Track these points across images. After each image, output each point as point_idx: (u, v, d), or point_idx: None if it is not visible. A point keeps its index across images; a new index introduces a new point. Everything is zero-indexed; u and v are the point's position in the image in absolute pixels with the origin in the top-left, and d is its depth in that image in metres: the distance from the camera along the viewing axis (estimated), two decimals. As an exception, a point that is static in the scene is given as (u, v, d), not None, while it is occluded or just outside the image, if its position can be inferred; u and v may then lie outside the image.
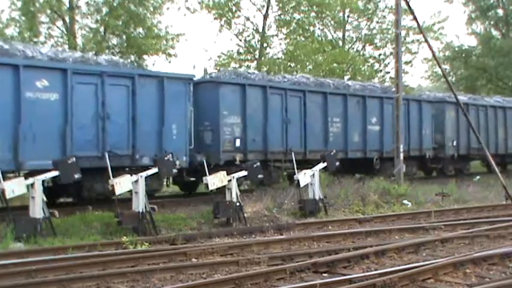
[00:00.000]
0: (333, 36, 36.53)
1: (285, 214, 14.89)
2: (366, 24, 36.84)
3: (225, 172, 13.81)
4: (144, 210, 12.21)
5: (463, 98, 25.25)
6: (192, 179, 16.72)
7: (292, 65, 32.14)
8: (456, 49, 40.75)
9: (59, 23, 26.64)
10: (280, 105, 18.60)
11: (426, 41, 21.51)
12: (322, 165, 15.72)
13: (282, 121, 18.59)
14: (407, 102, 22.85)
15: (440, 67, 23.56)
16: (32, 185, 11.28)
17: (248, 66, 31.98)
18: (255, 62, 32.61)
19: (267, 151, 17.95)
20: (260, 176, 14.88)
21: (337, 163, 16.98)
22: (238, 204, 13.73)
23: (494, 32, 42.52)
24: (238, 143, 17.16)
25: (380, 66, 37.64)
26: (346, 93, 21.04)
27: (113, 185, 11.97)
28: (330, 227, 13.81)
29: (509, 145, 28.17)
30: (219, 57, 32.95)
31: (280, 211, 15.04)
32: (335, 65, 31.84)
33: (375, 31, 36.86)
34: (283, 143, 18.56)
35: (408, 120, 22.72)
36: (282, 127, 18.58)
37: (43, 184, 11.58)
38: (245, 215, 13.89)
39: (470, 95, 30.20)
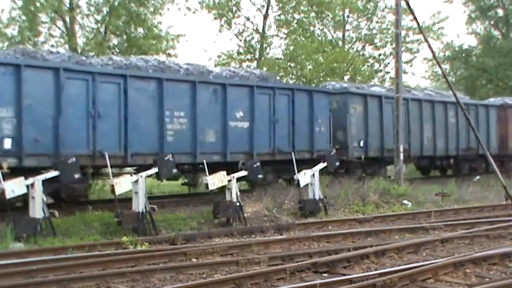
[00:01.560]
0: (332, 36, 36.54)
1: (285, 214, 14.89)
2: (366, 24, 36.86)
3: (225, 172, 13.81)
4: (144, 210, 12.21)
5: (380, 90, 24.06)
6: None
7: (292, 65, 32.15)
8: (456, 49, 40.73)
9: (60, 23, 26.66)
10: (85, 95, 13.73)
11: (426, 40, 21.51)
12: (322, 165, 15.73)
13: (87, 116, 13.71)
14: (292, 93, 18.39)
15: (440, 67, 23.54)
16: (32, 185, 11.28)
17: (248, 67, 31.98)
18: (255, 62, 32.62)
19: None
20: (260, 175, 14.89)
21: (337, 163, 16.97)
22: (238, 204, 13.73)
23: (494, 32, 42.52)
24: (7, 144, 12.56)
25: (380, 66, 37.65)
26: (195, 80, 15.92)
27: (112, 185, 11.99)
28: (330, 227, 13.82)
29: (438, 146, 24.38)
30: (218, 57, 33.02)
31: (280, 211, 15.05)
32: (335, 65, 31.83)
33: (374, 31, 36.87)
34: (89, 144, 13.71)
35: (293, 114, 18.20)
36: (87, 123, 13.71)
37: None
38: (245, 215, 13.89)
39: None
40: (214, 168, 14.21)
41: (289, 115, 18.04)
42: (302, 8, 32.91)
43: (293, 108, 18.08)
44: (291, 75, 31.95)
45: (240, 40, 33.31)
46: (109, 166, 12.74)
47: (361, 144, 20.77)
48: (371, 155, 21.12)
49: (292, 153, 16.72)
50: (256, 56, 32.81)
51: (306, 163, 16.70)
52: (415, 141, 23.16)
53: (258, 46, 32.94)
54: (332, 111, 19.66)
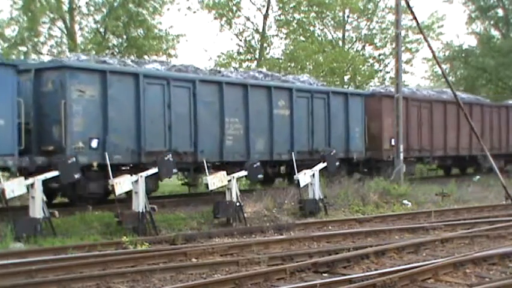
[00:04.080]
0: (333, 36, 36.56)
1: (285, 214, 14.89)
2: (366, 24, 36.87)
3: (225, 172, 13.82)
4: (144, 210, 12.21)
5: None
6: None
7: (292, 65, 32.16)
8: (456, 49, 40.73)
9: (59, 23, 26.67)
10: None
11: (426, 40, 21.51)
12: (322, 165, 15.73)
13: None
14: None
15: (440, 67, 23.54)
16: (32, 185, 11.28)
17: (248, 67, 32.00)
18: (255, 62, 32.63)
19: None
20: (260, 175, 14.91)
21: (337, 163, 16.98)
22: (238, 204, 13.73)
23: (494, 32, 42.54)
24: None
25: (380, 66, 37.66)
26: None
27: (112, 185, 12.00)
28: (330, 227, 13.81)
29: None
30: (218, 57, 33.02)
31: (280, 211, 15.04)
32: (335, 65, 31.84)
33: (374, 31, 36.89)
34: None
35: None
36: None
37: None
38: (245, 215, 13.89)
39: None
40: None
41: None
42: (302, 8, 32.91)
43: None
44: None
45: (240, 40, 33.35)
46: (108, 165, 12.74)
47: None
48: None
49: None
50: (256, 56, 32.81)
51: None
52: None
53: (258, 46, 32.94)
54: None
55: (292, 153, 17.18)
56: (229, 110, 16.37)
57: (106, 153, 13.27)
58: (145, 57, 26.71)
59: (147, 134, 14.43)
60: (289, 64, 32.10)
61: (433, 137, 23.64)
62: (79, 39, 26.91)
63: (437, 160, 24.66)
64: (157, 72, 15.53)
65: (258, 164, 14.75)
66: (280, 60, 32.45)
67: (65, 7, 26.11)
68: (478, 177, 24.88)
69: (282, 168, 18.76)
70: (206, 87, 15.98)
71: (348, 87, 31.29)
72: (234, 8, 32.53)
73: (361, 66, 34.34)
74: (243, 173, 14.34)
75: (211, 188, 13.44)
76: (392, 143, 20.72)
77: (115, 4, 26.16)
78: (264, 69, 22.64)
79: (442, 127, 24.30)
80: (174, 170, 13.56)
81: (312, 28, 34.09)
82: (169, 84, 15.02)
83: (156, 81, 14.90)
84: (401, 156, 19.96)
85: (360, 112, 20.53)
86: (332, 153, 16.51)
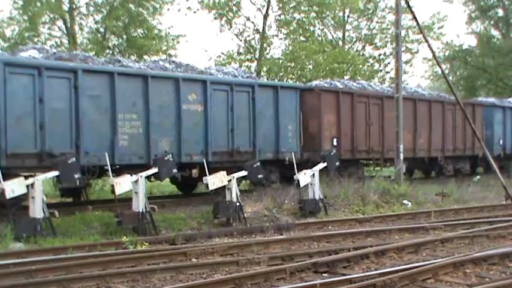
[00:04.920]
0: (333, 36, 36.55)
1: (285, 214, 14.89)
2: (366, 24, 36.86)
3: (225, 172, 13.82)
4: (144, 210, 12.21)
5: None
6: None
7: (292, 65, 32.15)
8: (456, 49, 40.75)
9: (60, 23, 26.68)
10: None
11: (426, 40, 21.50)
12: (322, 165, 15.74)
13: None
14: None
15: (440, 67, 23.54)
16: (32, 185, 11.28)
17: (248, 67, 32.00)
18: (255, 62, 32.63)
19: None
20: (260, 175, 14.90)
21: (337, 163, 16.97)
22: (238, 204, 13.73)
23: (494, 32, 42.56)
24: None
25: (380, 66, 37.65)
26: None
27: (112, 185, 11.99)
28: (330, 227, 13.81)
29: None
30: (219, 57, 33.03)
31: (280, 211, 15.04)
32: (335, 65, 31.84)
33: (374, 31, 36.88)
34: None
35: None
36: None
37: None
38: (245, 215, 13.89)
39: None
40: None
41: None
42: (302, 8, 32.91)
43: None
44: (291, 75, 31.93)
45: (240, 40, 33.35)
46: (109, 165, 12.73)
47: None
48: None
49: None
50: (257, 56, 32.81)
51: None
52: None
53: (258, 46, 32.94)
54: None
55: (207, 155, 15.59)
56: (124, 105, 14.18)
57: None
58: (146, 57, 26.78)
59: (10, 133, 12.43)
60: (289, 64, 32.09)
61: (385, 137, 21.25)
62: (79, 39, 26.92)
63: (389, 163, 21.54)
64: (26, 60, 13.38)
65: (258, 164, 14.74)
66: (281, 61, 32.43)
67: (65, 7, 26.10)
68: (478, 177, 24.90)
69: (195, 171, 16.06)
70: (92, 79, 13.77)
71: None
72: (234, 8, 32.53)
73: (361, 66, 34.34)
74: (243, 173, 14.33)
75: (211, 188, 13.44)
76: (335, 143, 19.19)
77: (115, 4, 26.16)
78: (177, 59, 19.56)
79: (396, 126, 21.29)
80: (174, 170, 13.54)
81: (312, 28, 34.08)
82: (41, 74, 12.87)
83: (25, 71, 12.76)
84: (401, 156, 19.94)
85: (294, 108, 18.24)
86: (332, 153, 16.49)
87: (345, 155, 19.72)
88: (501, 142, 27.25)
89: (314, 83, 21.78)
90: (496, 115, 27.28)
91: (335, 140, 19.30)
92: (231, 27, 32.82)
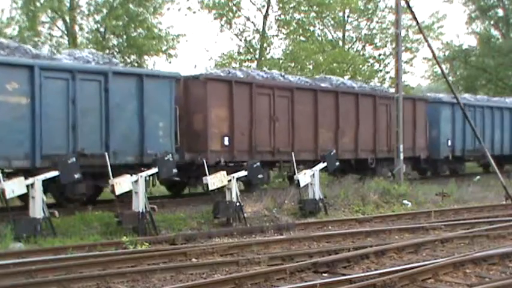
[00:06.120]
0: (333, 36, 36.54)
1: (285, 214, 14.89)
2: (366, 24, 36.86)
3: (225, 172, 13.82)
4: (144, 210, 12.22)
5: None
6: None
7: (293, 65, 32.14)
8: (456, 49, 40.75)
9: (59, 23, 26.67)
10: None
11: (426, 40, 21.52)
12: (322, 165, 15.74)
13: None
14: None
15: (440, 67, 23.56)
16: (32, 185, 11.28)
17: (248, 66, 31.99)
18: (256, 62, 32.62)
19: None
20: (260, 176, 14.89)
21: (337, 163, 16.96)
22: (238, 204, 13.73)
23: (494, 32, 42.56)
24: None
25: (380, 66, 37.64)
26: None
27: (113, 185, 11.99)
28: (330, 227, 13.82)
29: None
30: (219, 57, 33.02)
31: (280, 211, 15.04)
32: (335, 65, 31.83)
33: (374, 31, 36.87)
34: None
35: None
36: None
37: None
38: (245, 215, 13.89)
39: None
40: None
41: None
42: (302, 8, 32.90)
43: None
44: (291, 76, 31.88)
45: (241, 40, 33.34)
46: (109, 165, 12.72)
47: None
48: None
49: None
50: (257, 56, 32.80)
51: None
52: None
53: (259, 46, 32.94)
54: None
55: (34, 159, 12.63)
56: None
57: None
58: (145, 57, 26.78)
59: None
60: (289, 64, 32.08)
61: (296, 135, 18.18)
62: (79, 39, 26.90)
63: (302, 165, 17.28)
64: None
65: (258, 164, 14.74)
66: (281, 61, 32.43)
67: (65, 7, 26.07)
68: (478, 177, 24.88)
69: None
70: None
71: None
72: (234, 8, 32.52)
73: (361, 66, 34.33)
74: (243, 173, 14.33)
75: (211, 188, 13.44)
76: (226, 143, 16.32)
77: (115, 4, 26.15)
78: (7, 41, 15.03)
79: (312, 123, 18.79)
80: (174, 170, 13.52)
81: (312, 28, 34.07)
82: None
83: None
84: (402, 156, 19.95)
85: (167, 100, 14.95)
86: (332, 153, 16.50)
87: (240, 156, 16.52)
88: (449, 143, 24.35)
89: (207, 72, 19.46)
90: (444, 112, 24.33)
91: (226, 138, 16.33)
92: (231, 27, 32.82)
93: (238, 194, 13.88)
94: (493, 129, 26.65)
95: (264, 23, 32.47)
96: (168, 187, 17.84)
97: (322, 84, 20.48)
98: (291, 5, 32.55)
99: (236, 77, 17.51)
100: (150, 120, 14.55)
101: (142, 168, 13.00)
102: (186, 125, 15.87)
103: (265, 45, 32.82)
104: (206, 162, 14.14)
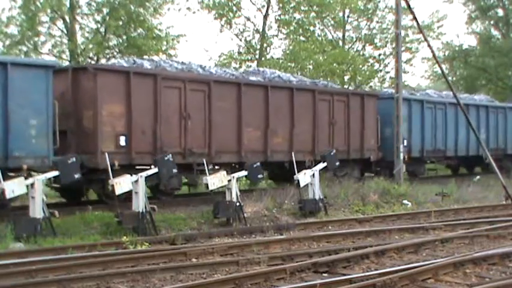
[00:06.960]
0: (333, 36, 36.53)
1: (285, 214, 14.89)
2: (366, 24, 36.84)
3: (225, 172, 13.82)
4: (144, 210, 12.21)
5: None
6: None
7: (293, 65, 32.14)
8: (456, 49, 40.73)
9: (60, 22, 26.66)
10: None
11: (426, 40, 21.54)
12: (322, 165, 15.74)
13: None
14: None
15: (439, 66, 23.57)
16: (32, 185, 11.28)
17: (249, 67, 31.98)
18: (256, 62, 32.62)
19: None
20: (260, 176, 14.89)
21: (337, 163, 16.96)
22: (238, 204, 13.73)
23: (494, 32, 42.54)
24: None
25: (380, 66, 37.63)
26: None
27: (113, 185, 12.00)
28: (330, 227, 13.82)
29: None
30: (219, 57, 33.02)
31: (280, 211, 15.04)
32: (335, 65, 31.83)
33: (374, 31, 36.86)
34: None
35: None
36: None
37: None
38: (245, 215, 13.89)
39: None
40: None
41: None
42: (302, 8, 32.90)
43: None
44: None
45: (241, 40, 33.34)
46: (109, 166, 12.72)
47: None
48: None
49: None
50: (257, 56, 32.80)
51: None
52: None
53: (259, 46, 32.94)
54: None
55: None
56: None
57: None
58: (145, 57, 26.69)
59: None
60: (289, 64, 32.08)
61: (213, 134, 16.13)
62: (79, 39, 26.90)
63: (223, 168, 15.51)
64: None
65: (258, 164, 14.74)
66: (281, 61, 32.42)
67: (65, 7, 26.06)
68: (478, 177, 24.88)
69: None
70: None
71: (347, 87, 31.20)
72: (234, 8, 32.52)
73: (361, 66, 34.33)
74: (243, 173, 14.32)
75: (211, 188, 13.44)
76: (122, 143, 14.33)
77: (115, 4, 26.14)
78: None
79: (235, 121, 16.77)
80: (174, 170, 13.53)
81: (312, 28, 34.06)
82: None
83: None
84: (401, 156, 19.96)
85: (42, 94, 12.80)
86: (332, 153, 16.50)
87: (141, 158, 14.50)
88: (405, 143, 21.50)
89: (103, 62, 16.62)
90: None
91: (123, 138, 14.32)
92: (231, 27, 32.82)
93: (238, 194, 13.88)
94: (457, 128, 24.24)
95: (264, 23, 32.48)
96: (63, 193, 15.72)
97: (251, 78, 18.41)
98: (291, 5, 32.55)
99: (136, 67, 15.38)
100: (18, 117, 12.39)
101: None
102: (75, 123, 14.05)
103: (265, 45, 32.82)
104: (96, 165, 13.02)
